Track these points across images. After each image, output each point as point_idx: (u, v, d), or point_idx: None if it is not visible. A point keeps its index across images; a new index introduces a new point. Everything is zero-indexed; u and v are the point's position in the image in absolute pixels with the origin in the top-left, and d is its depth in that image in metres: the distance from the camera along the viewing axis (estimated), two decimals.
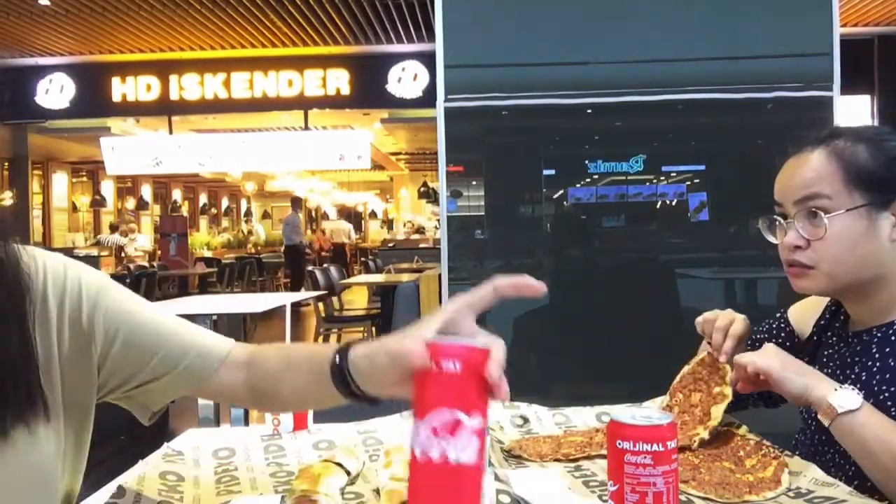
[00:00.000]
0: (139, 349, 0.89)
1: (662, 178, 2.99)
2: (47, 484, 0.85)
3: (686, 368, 1.25)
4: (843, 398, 0.99)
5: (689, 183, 2.89)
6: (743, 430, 1.18)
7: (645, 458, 0.79)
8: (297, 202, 12.58)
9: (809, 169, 1.11)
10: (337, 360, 0.80)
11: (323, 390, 0.82)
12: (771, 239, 1.18)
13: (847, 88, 2.50)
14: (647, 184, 2.97)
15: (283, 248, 12.76)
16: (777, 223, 1.16)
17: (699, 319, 1.25)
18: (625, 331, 2.88)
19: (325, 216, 20.87)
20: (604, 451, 0.93)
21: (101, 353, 0.88)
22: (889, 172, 1.09)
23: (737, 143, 2.73)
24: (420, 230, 16.27)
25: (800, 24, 2.58)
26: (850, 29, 8.02)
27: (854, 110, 8.27)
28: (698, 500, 0.95)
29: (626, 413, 0.83)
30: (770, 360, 1.05)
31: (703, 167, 2.89)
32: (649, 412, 0.84)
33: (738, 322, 1.20)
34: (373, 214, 21.72)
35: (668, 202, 3.01)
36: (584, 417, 1.32)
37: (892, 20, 8.07)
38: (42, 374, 0.83)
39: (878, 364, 1.08)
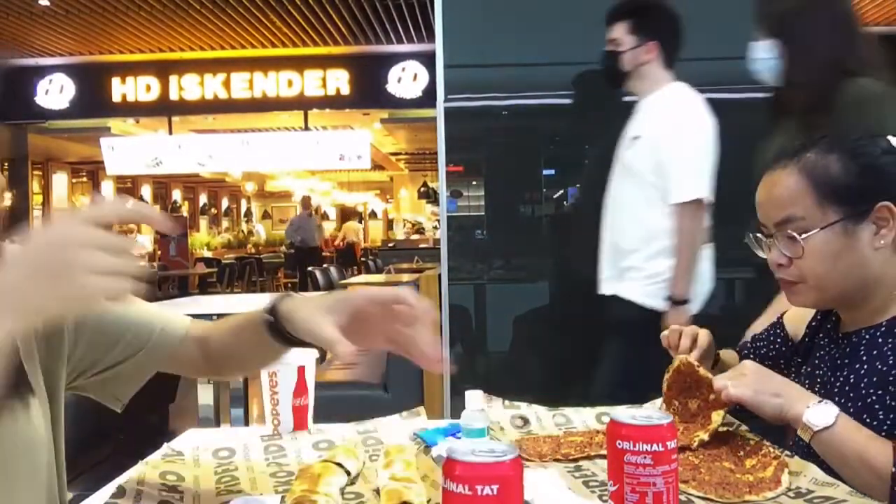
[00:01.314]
0: (109, 330, 0.98)
1: None
2: (36, 455, 0.87)
3: (667, 377, 1.26)
4: (817, 415, 0.98)
5: None
6: (743, 430, 1.18)
7: (645, 458, 0.79)
8: (306, 202, 12.49)
9: (783, 187, 1.11)
10: (269, 317, 0.93)
11: (261, 343, 0.94)
12: (759, 254, 1.20)
13: None
14: None
15: (284, 248, 12.69)
16: (763, 239, 1.18)
17: (664, 334, 1.30)
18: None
19: (326, 216, 20.87)
20: (604, 451, 0.93)
21: (72, 337, 0.94)
22: (863, 180, 1.08)
23: (736, 144, 2.73)
24: (420, 230, 16.25)
25: None
26: None
27: None
28: (698, 500, 0.95)
29: (626, 413, 0.83)
30: (741, 388, 1.05)
31: None
32: (649, 412, 0.84)
33: (702, 335, 1.26)
34: (373, 214, 21.71)
35: None
36: (584, 417, 1.32)
37: (893, 20, 8.07)
38: (21, 347, 0.85)
39: (865, 366, 1.08)
